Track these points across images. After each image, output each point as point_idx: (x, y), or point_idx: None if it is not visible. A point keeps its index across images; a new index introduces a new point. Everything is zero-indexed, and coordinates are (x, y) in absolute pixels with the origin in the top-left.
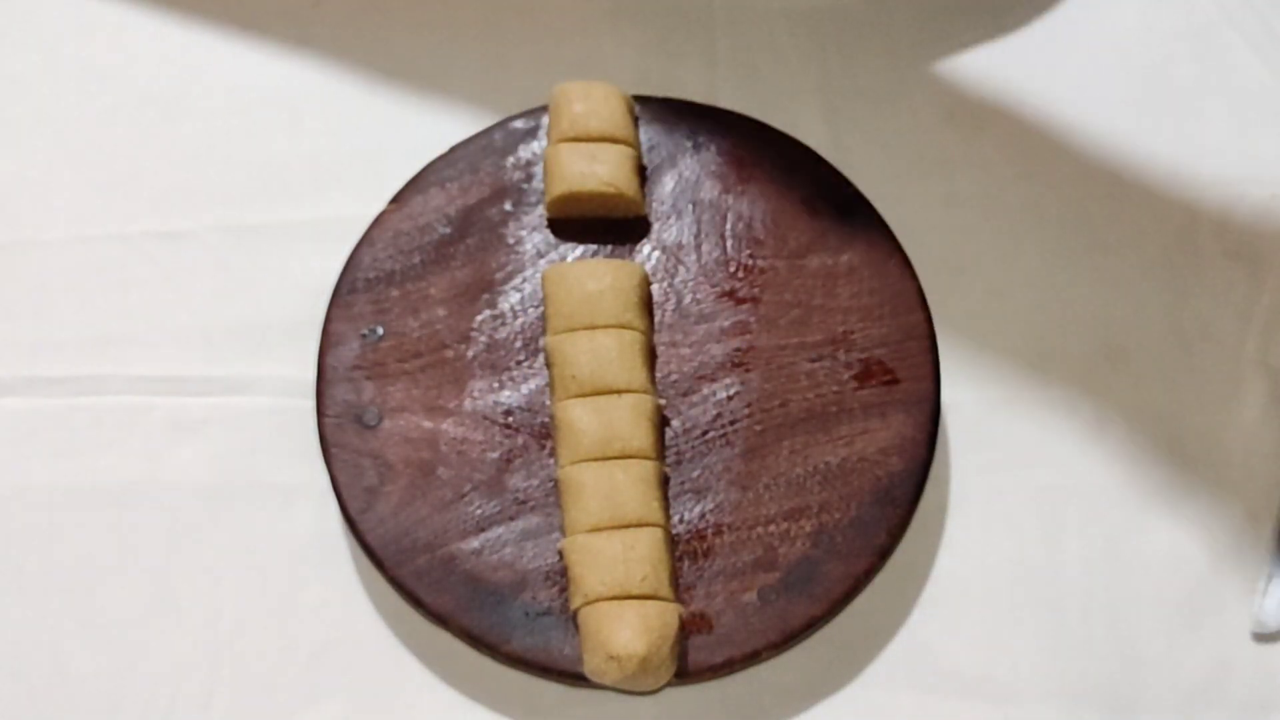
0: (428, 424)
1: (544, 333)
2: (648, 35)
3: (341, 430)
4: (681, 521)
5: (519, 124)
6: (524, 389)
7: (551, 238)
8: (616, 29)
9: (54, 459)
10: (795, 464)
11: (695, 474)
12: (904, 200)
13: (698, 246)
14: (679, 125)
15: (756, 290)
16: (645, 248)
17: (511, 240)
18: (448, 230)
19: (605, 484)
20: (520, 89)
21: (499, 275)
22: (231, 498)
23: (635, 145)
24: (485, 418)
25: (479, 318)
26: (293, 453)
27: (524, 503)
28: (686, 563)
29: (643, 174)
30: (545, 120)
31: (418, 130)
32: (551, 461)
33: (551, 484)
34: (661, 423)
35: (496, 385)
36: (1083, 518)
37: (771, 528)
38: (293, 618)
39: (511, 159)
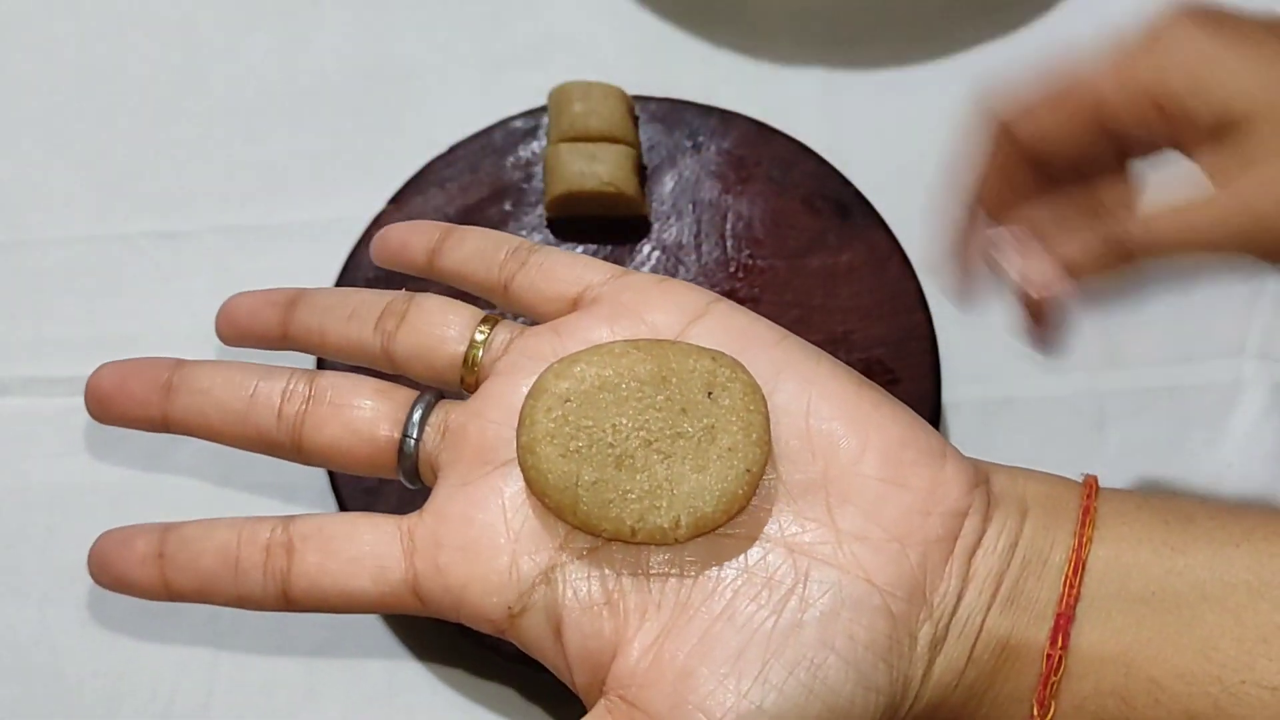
0: None
1: None
2: (648, 35)
3: None
4: None
5: (519, 124)
6: None
7: (551, 238)
8: (617, 29)
9: (54, 459)
10: None
11: None
12: (904, 200)
13: (698, 246)
14: (679, 125)
15: (756, 290)
16: (645, 248)
17: None
18: None
19: None
20: (520, 89)
21: None
22: (231, 498)
23: (635, 145)
24: None
25: None
26: None
27: None
28: None
29: (643, 174)
30: (545, 120)
31: (418, 130)
32: None
33: None
34: None
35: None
36: None
37: None
38: (292, 618)
39: (511, 159)
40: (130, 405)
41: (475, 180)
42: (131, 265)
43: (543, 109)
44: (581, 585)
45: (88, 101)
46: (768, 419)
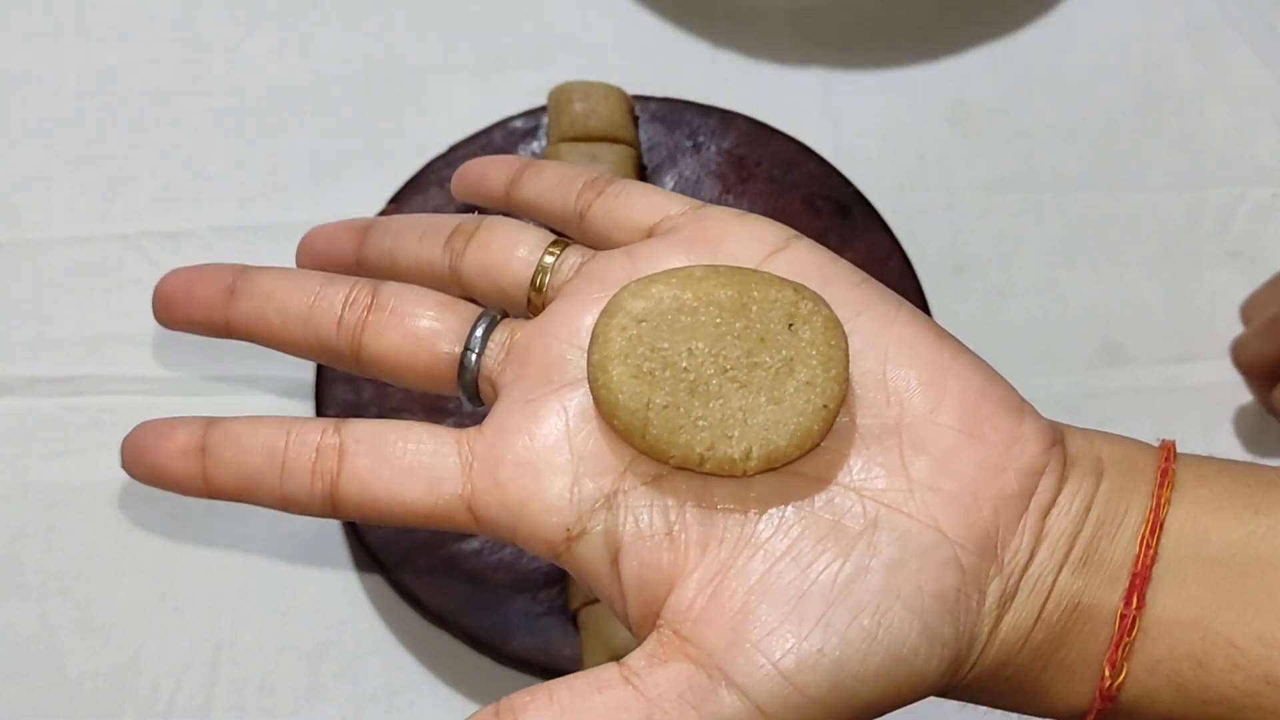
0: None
1: None
2: (648, 35)
3: None
4: None
5: (519, 124)
6: None
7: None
8: (617, 29)
9: (54, 459)
10: None
11: None
12: (904, 200)
13: None
14: (679, 125)
15: None
16: None
17: None
18: None
19: None
20: (520, 89)
21: None
22: None
23: (635, 145)
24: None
25: None
26: None
27: None
28: None
29: (643, 174)
30: (545, 120)
31: (418, 130)
32: None
33: None
34: None
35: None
36: None
37: None
38: (293, 617)
39: None
40: (194, 309)
41: None
42: (131, 265)
43: (543, 109)
44: (643, 513)
45: (88, 101)
46: (848, 356)
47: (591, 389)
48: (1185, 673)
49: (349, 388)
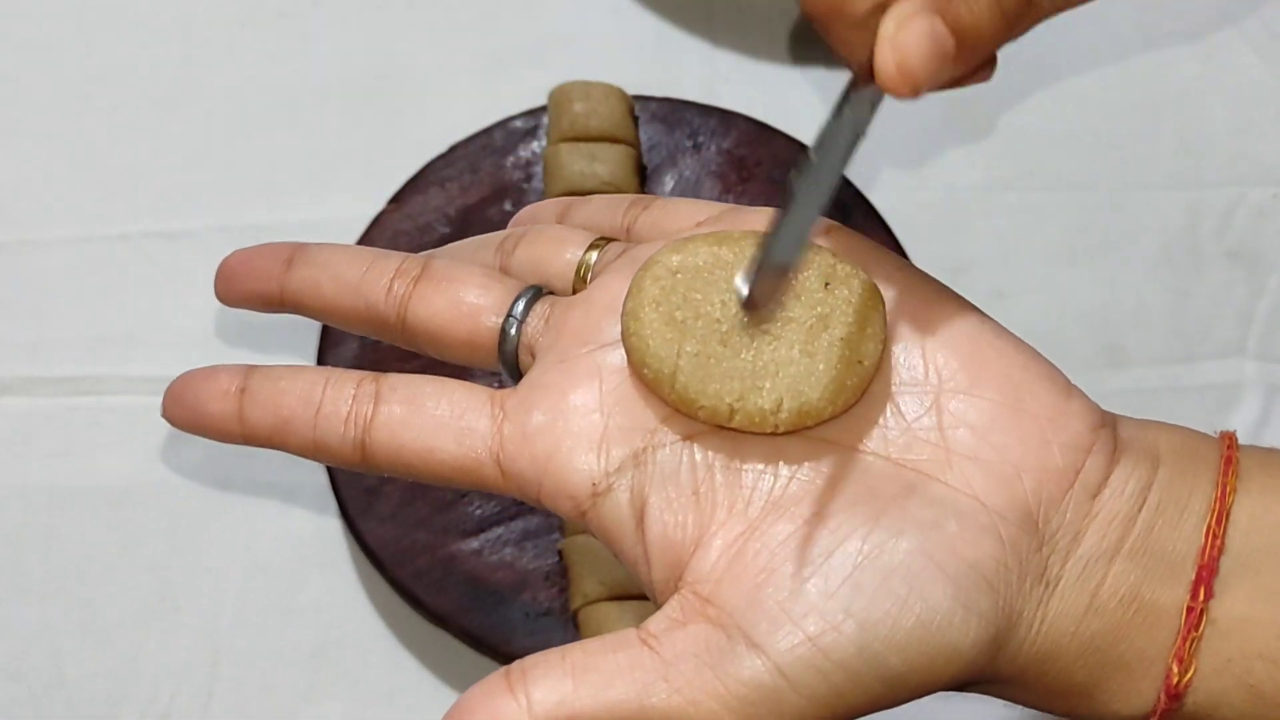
0: None
1: None
2: (648, 35)
3: None
4: None
5: (519, 124)
6: None
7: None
8: (617, 29)
9: (54, 459)
10: None
11: None
12: (904, 200)
13: None
14: (679, 125)
15: None
16: None
17: None
18: (447, 230)
19: None
20: (520, 89)
21: None
22: (231, 498)
23: (635, 145)
24: None
25: None
26: None
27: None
28: None
29: (643, 174)
30: (545, 120)
31: (418, 130)
32: None
33: None
34: None
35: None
36: None
37: None
38: (293, 618)
39: (511, 159)
40: (252, 280)
41: (475, 180)
42: (131, 265)
43: (543, 109)
44: (671, 472)
45: (88, 101)
46: (885, 318)
47: (624, 339)
48: (1258, 673)
49: None
